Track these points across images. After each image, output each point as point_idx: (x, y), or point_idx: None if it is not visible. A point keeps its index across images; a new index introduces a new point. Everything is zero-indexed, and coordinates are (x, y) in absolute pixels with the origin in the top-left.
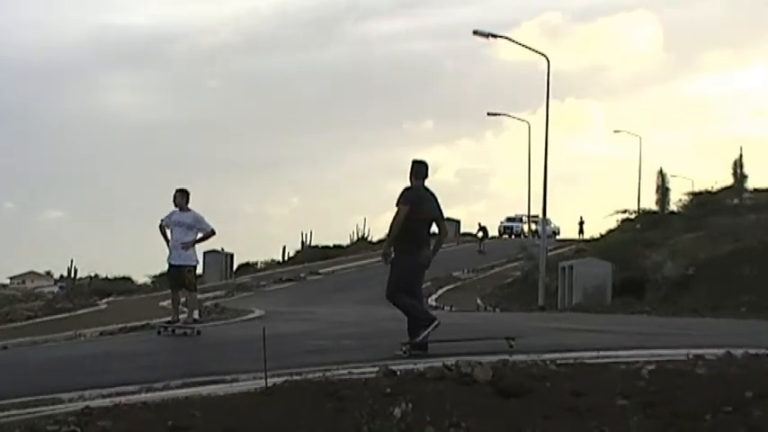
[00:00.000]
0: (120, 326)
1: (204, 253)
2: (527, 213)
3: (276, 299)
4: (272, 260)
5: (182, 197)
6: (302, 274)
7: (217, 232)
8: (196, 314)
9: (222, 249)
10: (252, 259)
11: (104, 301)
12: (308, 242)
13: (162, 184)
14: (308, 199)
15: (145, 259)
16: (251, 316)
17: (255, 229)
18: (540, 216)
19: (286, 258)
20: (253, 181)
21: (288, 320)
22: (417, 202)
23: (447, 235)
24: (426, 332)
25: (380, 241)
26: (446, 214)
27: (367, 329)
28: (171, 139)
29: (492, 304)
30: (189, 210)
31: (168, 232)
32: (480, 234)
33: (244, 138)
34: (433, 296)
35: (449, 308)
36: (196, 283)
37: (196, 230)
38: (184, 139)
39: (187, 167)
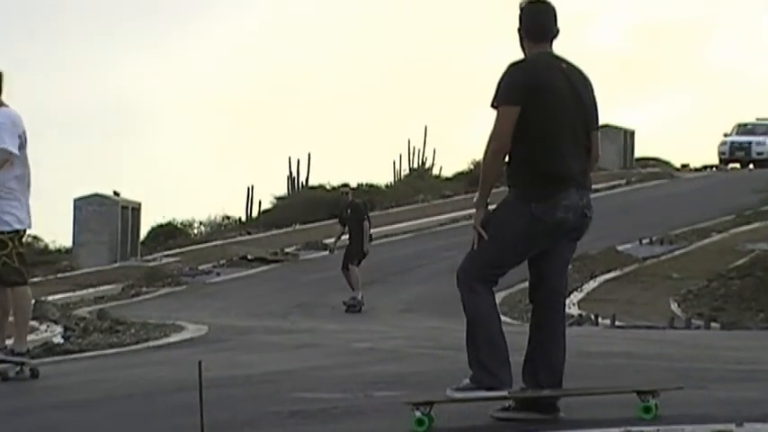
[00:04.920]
0: None
1: (75, 201)
2: None
3: (232, 301)
4: (226, 218)
5: None
6: (290, 249)
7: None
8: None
9: (116, 194)
10: (182, 216)
11: None
12: (301, 178)
13: None
14: (305, 82)
15: None
16: (175, 338)
17: (187, 152)
18: None
19: (254, 213)
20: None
21: (258, 347)
22: (536, 94)
23: (598, 159)
24: (473, 395)
25: (460, 176)
26: (604, 117)
27: (426, 368)
28: None
29: (702, 313)
30: None
31: None
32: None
33: None
34: (577, 294)
35: (608, 321)
36: (22, 271)
37: None
38: None
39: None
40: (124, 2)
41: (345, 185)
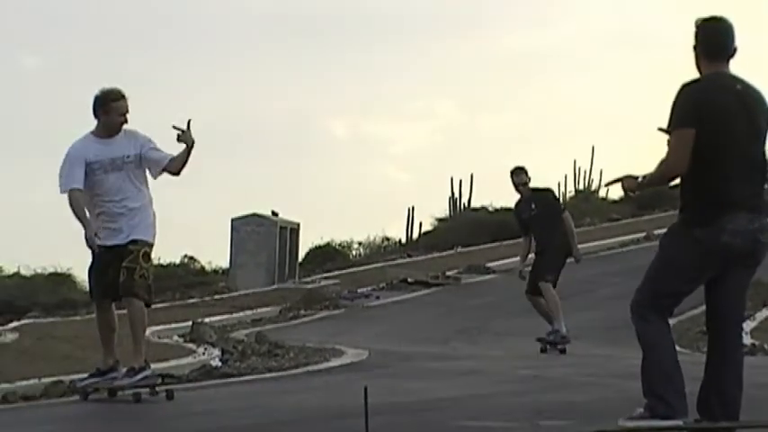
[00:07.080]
0: (44, 381)
1: (232, 221)
2: None
3: (392, 325)
4: (385, 240)
5: (113, 103)
6: (452, 272)
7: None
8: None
9: (275, 214)
10: (340, 237)
11: (13, 325)
12: (463, 199)
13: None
14: (474, 90)
15: None
16: (335, 362)
17: (348, 172)
18: None
19: (415, 235)
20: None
21: (420, 374)
22: (705, 116)
23: None
24: (646, 424)
25: (628, 198)
26: None
27: (593, 396)
28: None
29: None
30: (122, 130)
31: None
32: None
33: None
34: (750, 323)
35: None
36: (151, 289)
37: (144, 168)
38: None
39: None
40: (291, 22)
41: (522, 169)
